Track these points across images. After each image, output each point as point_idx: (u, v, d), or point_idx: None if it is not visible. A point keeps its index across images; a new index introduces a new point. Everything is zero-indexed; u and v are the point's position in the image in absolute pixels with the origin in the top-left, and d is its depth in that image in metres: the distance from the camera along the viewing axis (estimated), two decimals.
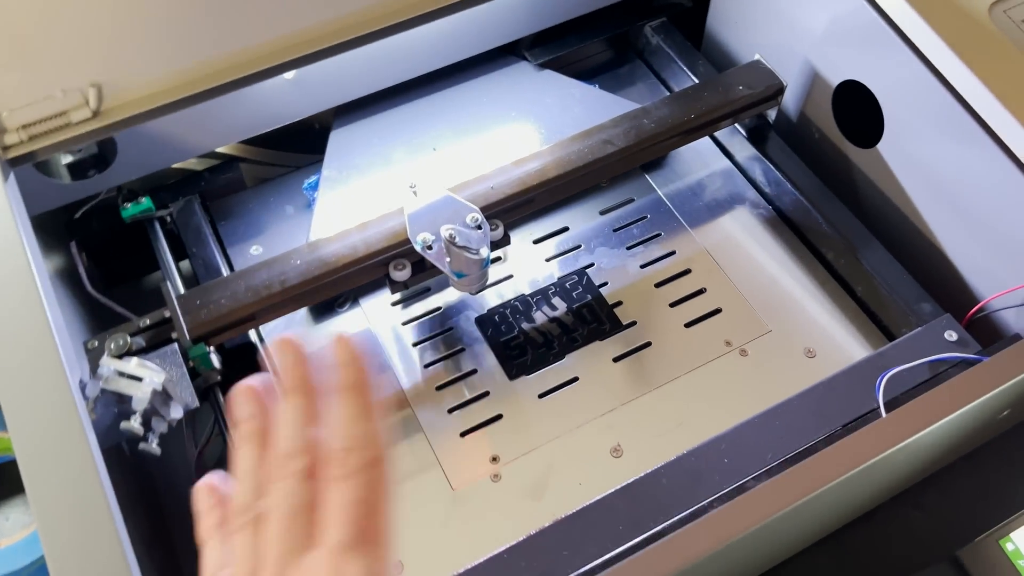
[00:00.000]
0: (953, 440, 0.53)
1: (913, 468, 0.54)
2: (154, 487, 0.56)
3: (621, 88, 0.67)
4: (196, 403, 0.45)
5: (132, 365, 0.43)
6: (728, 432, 0.46)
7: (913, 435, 0.43)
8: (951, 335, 0.50)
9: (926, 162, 0.53)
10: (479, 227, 0.50)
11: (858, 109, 0.57)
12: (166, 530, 0.54)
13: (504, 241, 0.52)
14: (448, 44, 0.62)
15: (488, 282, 0.54)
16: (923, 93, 0.50)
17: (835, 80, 0.57)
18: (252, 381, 0.31)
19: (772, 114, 0.61)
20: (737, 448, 0.46)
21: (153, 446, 0.43)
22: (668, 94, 0.58)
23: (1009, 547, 0.51)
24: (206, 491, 0.30)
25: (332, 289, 0.51)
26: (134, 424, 0.41)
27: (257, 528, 0.28)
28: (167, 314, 0.49)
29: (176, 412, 0.43)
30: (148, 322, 0.49)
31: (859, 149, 0.58)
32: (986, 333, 0.53)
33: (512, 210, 0.54)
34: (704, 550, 0.39)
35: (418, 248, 0.49)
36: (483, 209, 0.52)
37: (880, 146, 0.56)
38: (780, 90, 0.58)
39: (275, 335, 0.30)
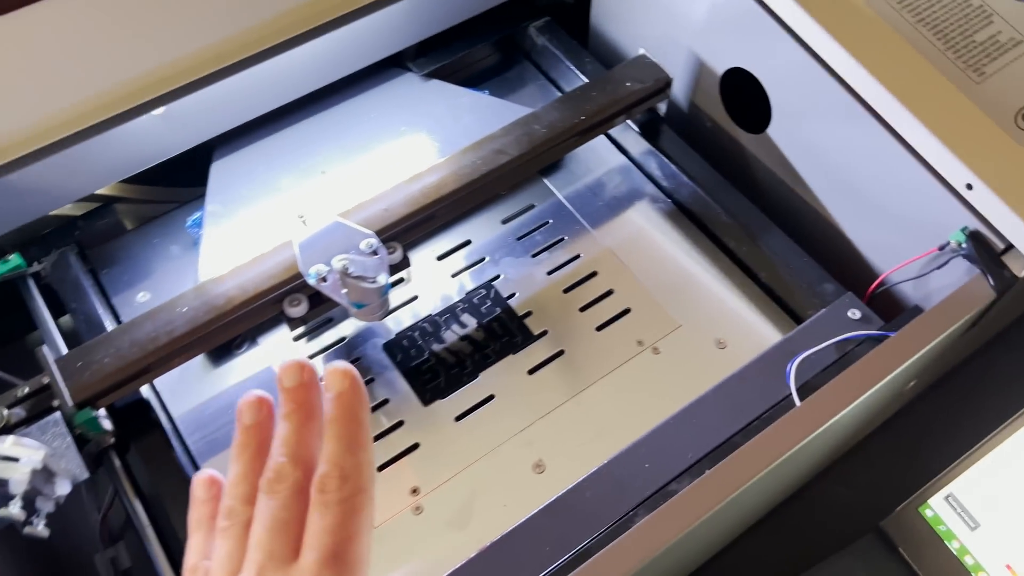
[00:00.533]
0: (868, 416, 0.54)
1: (833, 447, 0.55)
2: (57, 559, 0.52)
3: (511, 91, 0.66)
4: (86, 474, 0.42)
5: (6, 446, 0.39)
6: (646, 436, 0.46)
7: (828, 420, 0.43)
8: (855, 313, 0.51)
9: (814, 144, 0.54)
10: (375, 253, 0.48)
11: (746, 95, 0.57)
12: None
13: (403, 264, 0.51)
14: (329, 61, 0.60)
15: (391, 307, 0.53)
16: (805, 77, 0.51)
17: (720, 68, 0.57)
18: (260, 393, 0.32)
19: (663, 107, 0.61)
20: (657, 452, 0.45)
21: (39, 528, 0.40)
22: (557, 97, 0.57)
23: (928, 513, 0.52)
24: (205, 482, 0.32)
25: (225, 334, 0.48)
26: (13, 511, 0.38)
27: (241, 533, 0.29)
28: (46, 380, 0.45)
29: (63, 488, 0.40)
30: (27, 390, 0.45)
31: (751, 135, 0.58)
32: (888, 307, 0.54)
33: (409, 230, 0.52)
34: (635, 563, 0.38)
35: (311, 282, 0.47)
36: (378, 232, 0.50)
37: (770, 131, 0.56)
38: (667, 83, 0.58)
39: (283, 361, 0.31)
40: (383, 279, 0.47)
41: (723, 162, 0.60)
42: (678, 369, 0.53)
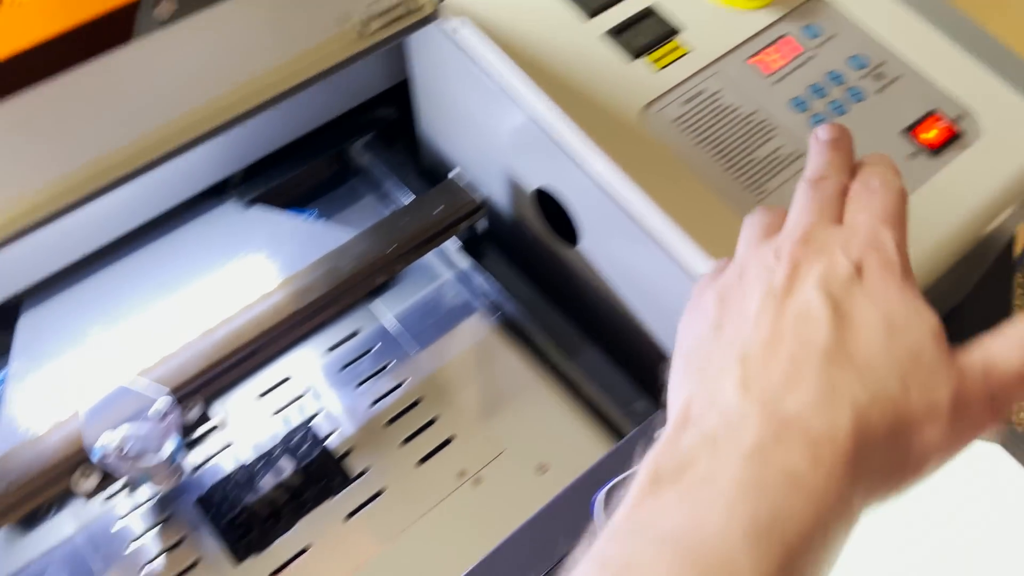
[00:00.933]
0: None
1: None
2: None
3: (342, 210, 0.66)
4: None
5: None
6: None
7: None
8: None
9: (618, 260, 0.54)
10: (166, 415, 0.47)
11: (559, 210, 0.57)
12: None
13: (202, 420, 0.49)
14: (146, 199, 0.59)
15: (181, 474, 0.50)
16: (594, 200, 0.51)
17: (530, 187, 0.57)
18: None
19: (484, 224, 0.61)
20: None
21: None
22: (365, 229, 0.56)
23: None
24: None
25: (13, 514, 0.46)
26: None
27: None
28: None
29: None
30: None
31: (568, 249, 0.58)
32: None
33: (212, 381, 0.51)
34: None
35: (95, 459, 0.45)
36: (176, 389, 0.48)
37: (580, 246, 0.56)
38: (479, 206, 0.57)
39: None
40: (170, 446, 0.46)
41: (548, 275, 0.60)
42: (499, 500, 0.52)
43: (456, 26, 0.53)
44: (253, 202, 0.63)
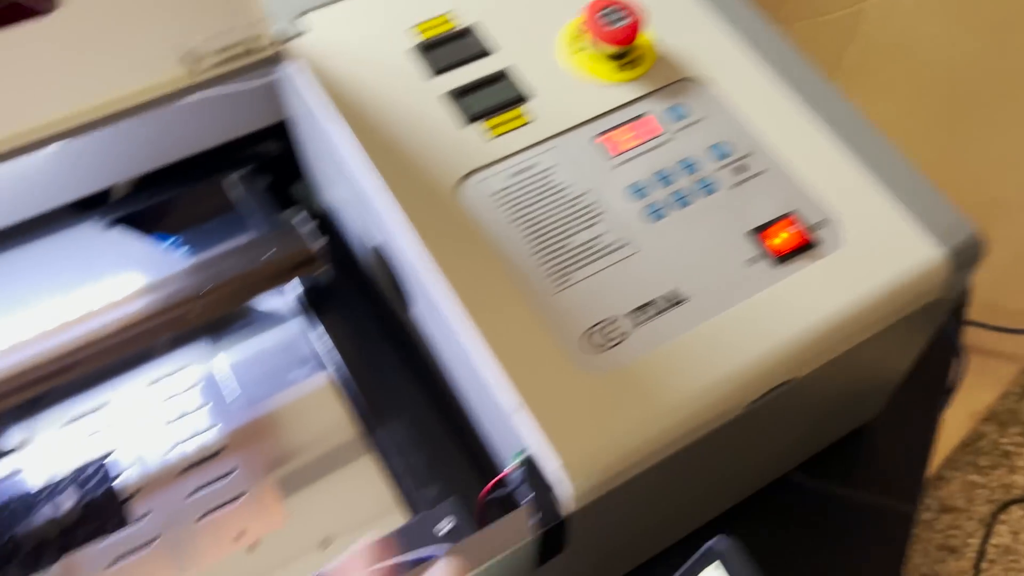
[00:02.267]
0: None
1: None
2: None
3: (212, 241, 0.64)
4: None
5: None
6: None
7: None
8: (448, 522, 0.47)
9: (433, 336, 0.51)
10: None
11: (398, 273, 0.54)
12: None
13: None
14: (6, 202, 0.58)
15: None
16: (408, 269, 0.48)
17: (371, 243, 0.54)
18: None
19: (330, 272, 0.58)
20: None
21: None
22: (191, 263, 0.55)
23: None
24: None
25: None
26: None
27: None
28: None
29: None
30: None
31: (406, 312, 0.55)
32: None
33: (12, 394, 0.50)
34: None
35: None
36: None
37: (412, 312, 0.53)
38: (313, 256, 0.55)
39: None
40: None
41: (393, 333, 0.57)
42: (273, 570, 0.49)
43: (292, 72, 0.51)
44: (117, 222, 0.62)
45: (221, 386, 0.57)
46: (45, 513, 0.51)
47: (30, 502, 0.51)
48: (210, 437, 0.54)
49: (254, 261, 0.54)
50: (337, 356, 0.56)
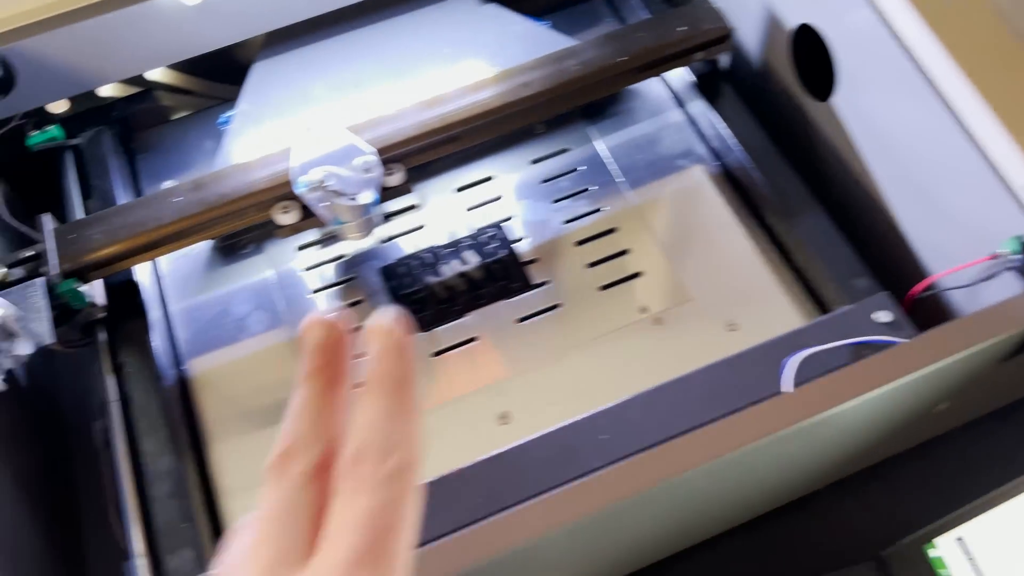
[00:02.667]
0: (881, 428, 0.48)
1: (835, 456, 0.49)
2: (61, 425, 0.55)
3: (578, 28, 0.62)
4: (50, 339, 0.43)
5: None
6: (612, 407, 0.42)
7: (812, 416, 0.38)
8: (884, 316, 0.45)
9: (876, 119, 0.47)
10: (368, 171, 0.47)
11: (816, 57, 0.51)
12: (68, 468, 0.53)
13: (403, 188, 0.49)
14: None
15: (373, 229, 0.50)
16: (873, 42, 0.44)
17: (790, 23, 0.51)
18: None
19: (725, 59, 0.55)
20: (618, 425, 0.42)
21: None
22: (596, 37, 0.52)
23: (933, 553, 0.46)
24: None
25: (212, 230, 0.48)
26: None
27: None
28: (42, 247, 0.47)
29: (24, 348, 0.42)
30: (27, 255, 0.47)
31: (816, 102, 0.52)
32: (932, 315, 0.47)
33: (417, 154, 0.50)
34: (537, 530, 0.36)
35: (298, 191, 0.46)
36: (383, 151, 0.48)
37: (834, 100, 0.50)
38: (725, 34, 0.52)
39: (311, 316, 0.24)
40: (366, 198, 0.46)
41: (783, 128, 0.54)
42: (677, 345, 0.49)
43: None
44: (487, 1, 0.61)
45: (606, 168, 0.55)
46: (452, 267, 0.52)
47: (437, 256, 0.52)
48: (599, 217, 0.54)
49: (667, 34, 0.52)
50: (733, 144, 0.54)
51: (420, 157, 0.50)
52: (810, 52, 0.52)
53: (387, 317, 0.23)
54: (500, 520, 0.36)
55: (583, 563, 0.46)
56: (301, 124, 0.55)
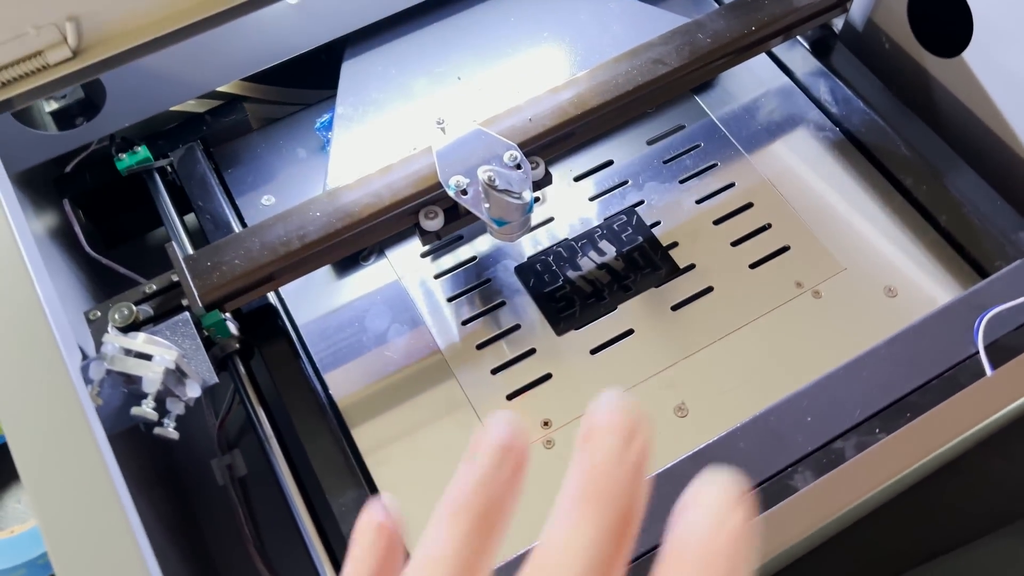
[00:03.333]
0: None
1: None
2: (172, 465, 0.52)
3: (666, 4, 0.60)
4: (215, 379, 0.40)
5: (139, 342, 0.37)
6: (809, 387, 0.41)
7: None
8: None
9: (1012, 69, 0.46)
10: (518, 166, 0.44)
11: (938, 12, 0.50)
12: (189, 509, 0.50)
13: (546, 181, 0.47)
14: None
15: (529, 228, 0.49)
16: None
17: None
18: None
19: (839, 23, 0.54)
20: (820, 405, 0.41)
21: (170, 430, 0.38)
22: (719, 6, 0.51)
23: None
24: (372, 528, 0.19)
25: (357, 243, 0.45)
26: (146, 409, 0.36)
27: None
28: (175, 278, 0.43)
29: (193, 391, 0.38)
30: (155, 287, 0.44)
31: (940, 60, 0.51)
32: None
33: (552, 145, 0.48)
34: (802, 531, 0.34)
35: (451, 193, 0.43)
36: (520, 145, 0.46)
37: (966, 54, 0.49)
38: None
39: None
40: (528, 195, 0.43)
41: (904, 90, 0.53)
42: (842, 316, 0.48)
43: None
44: None
45: (731, 141, 0.54)
46: (592, 259, 0.50)
47: (572, 249, 0.50)
48: (731, 193, 0.52)
49: (789, 2, 0.50)
50: (856, 107, 0.53)
51: (554, 148, 0.48)
52: (927, 7, 0.51)
53: (720, 477, 0.16)
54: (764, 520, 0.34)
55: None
56: (412, 121, 0.52)
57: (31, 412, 0.33)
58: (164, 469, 0.49)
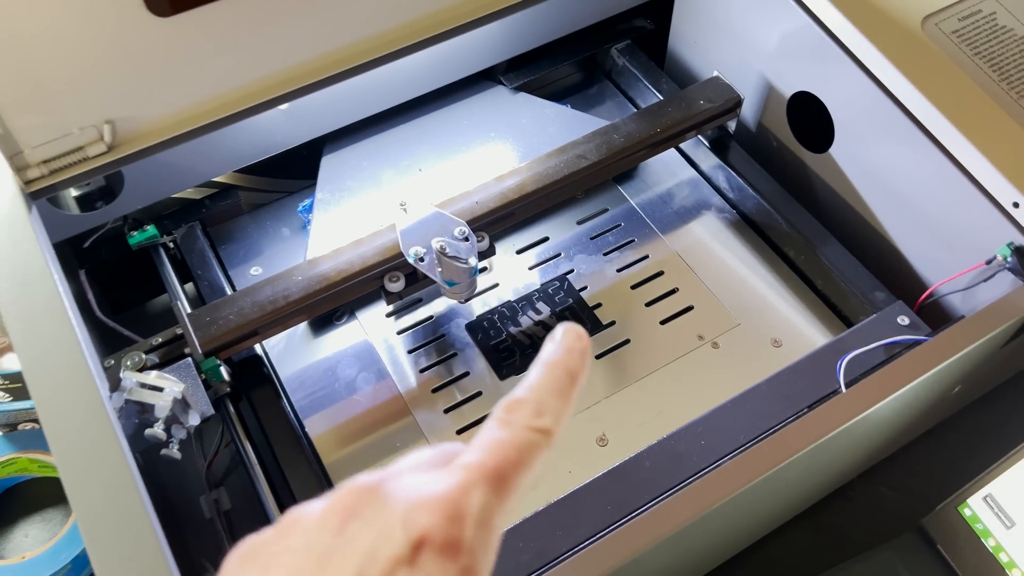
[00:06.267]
0: (911, 415, 0.57)
1: (877, 442, 0.59)
2: (167, 496, 0.59)
3: (591, 107, 0.72)
4: (211, 411, 0.48)
5: (152, 377, 0.46)
6: (704, 417, 0.50)
7: (870, 407, 0.47)
8: (903, 320, 0.55)
9: (873, 164, 0.58)
10: (466, 239, 0.54)
11: (811, 117, 0.62)
12: (182, 538, 0.57)
13: (490, 251, 0.57)
14: (430, 72, 0.66)
15: (476, 290, 0.58)
16: (867, 101, 0.55)
17: (788, 92, 0.62)
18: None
19: (732, 125, 0.66)
20: (712, 431, 0.50)
21: (174, 451, 0.46)
22: (635, 111, 0.62)
23: (967, 512, 0.55)
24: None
25: (332, 302, 0.54)
26: (158, 431, 0.44)
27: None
28: (179, 331, 0.52)
29: (194, 419, 0.47)
30: (160, 340, 0.52)
31: (814, 154, 0.63)
32: (936, 317, 0.57)
33: (495, 223, 0.58)
34: (685, 519, 0.43)
35: (411, 260, 0.53)
36: (469, 223, 0.56)
37: (832, 151, 0.61)
38: (738, 103, 0.63)
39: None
40: (473, 261, 0.53)
41: (786, 178, 0.65)
42: (735, 362, 0.57)
43: None
44: (518, 90, 0.70)
45: (645, 221, 0.65)
46: (530, 317, 0.59)
47: (513, 309, 0.60)
48: (646, 264, 0.62)
49: (692, 107, 0.62)
50: (747, 194, 0.64)
51: (497, 226, 0.58)
52: (803, 113, 0.63)
53: (579, 328, 0.27)
54: (643, 519, 0.43)
55: (677, 565, 0.53)
56: (380, 204, 0.62)
57: (75, 436, 0.41)
58: (160, 499, 0.57)
